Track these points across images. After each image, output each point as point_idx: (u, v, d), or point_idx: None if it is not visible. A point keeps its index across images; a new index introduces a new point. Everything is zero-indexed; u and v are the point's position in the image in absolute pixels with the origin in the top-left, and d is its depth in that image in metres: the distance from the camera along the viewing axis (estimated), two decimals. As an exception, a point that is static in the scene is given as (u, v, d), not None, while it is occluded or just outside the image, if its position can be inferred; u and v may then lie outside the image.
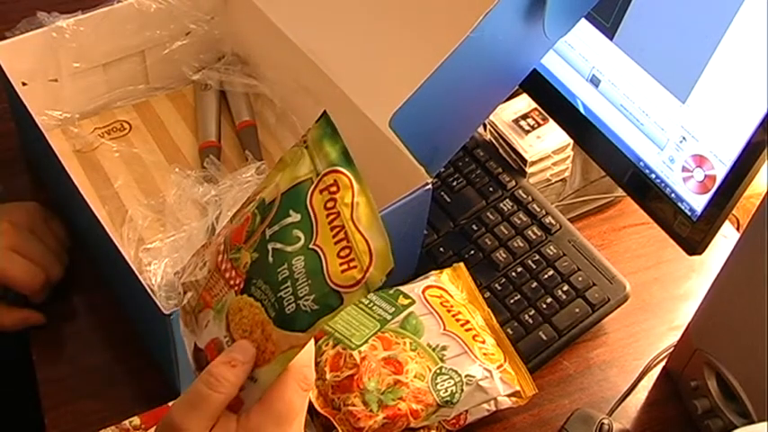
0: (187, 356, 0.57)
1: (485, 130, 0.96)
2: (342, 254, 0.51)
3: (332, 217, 0.52)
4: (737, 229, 0.91)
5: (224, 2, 0.96)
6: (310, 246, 0.52)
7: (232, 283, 0.54)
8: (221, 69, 0.96)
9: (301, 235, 0.52)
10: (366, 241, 0.51)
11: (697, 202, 0.72)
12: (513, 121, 0.93)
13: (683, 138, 0.72)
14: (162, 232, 0.82)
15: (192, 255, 0.60)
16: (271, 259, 0.52)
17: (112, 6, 0.88)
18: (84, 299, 0.82)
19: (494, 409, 0.73)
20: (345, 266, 0.51)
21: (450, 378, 0.71)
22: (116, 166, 0.89)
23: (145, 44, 0.92)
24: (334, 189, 0.52)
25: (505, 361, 0.74)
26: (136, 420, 0.70)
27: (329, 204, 0.52)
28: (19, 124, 0.90)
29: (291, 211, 0.52)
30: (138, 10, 0.89)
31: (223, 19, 0.97)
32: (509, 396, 0.73)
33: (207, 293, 0.56)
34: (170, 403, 0.71)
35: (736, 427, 0.66)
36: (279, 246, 0.52)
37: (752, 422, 0.70)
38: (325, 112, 0.53)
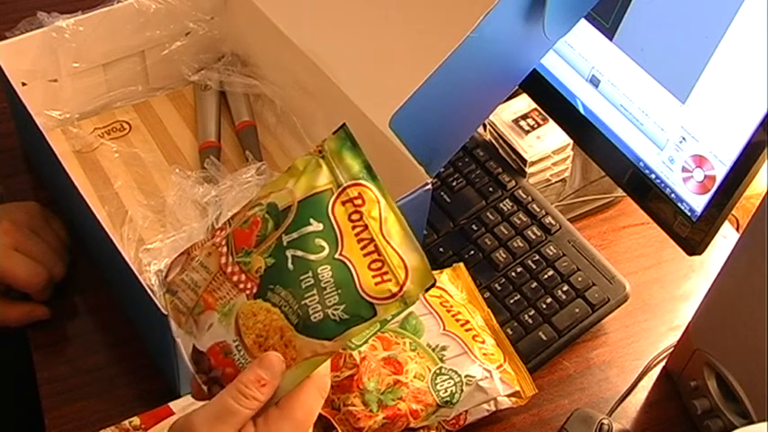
0: (185, 357, 0.57)
1: (485, 130, 0.96)
2: (373, 266, 0.52)
3: (359, 229, 0.52)
4: (737, 229, 0.91)
5: (224, 2, 0.96)
6: (336, 256, 0.52)
7: (242, 286, 0.54)
8: (221, 69, 0.96)
9: (325, 244, 0.52)
10: (400, 257, 0.52)
11: (697, 203, 0.72)
12: (512, 121, 0.93)
13: (683, 138, 0.72)
14: (162, 233, 0.82)
15: (180, 253, 0.59)
16: (291, 266, 0.53)
17: (112, 6, 0.88)
18: (84, 299, 0.82)
19: (493, 409, 0.73)
20: (379, 279, 0.52)
21: (450, 378, 0.71)
22: (116, 167, 0.89)
23: (144, 44, 0.92)
24: (359, 202, 0.53)
25: (505, 361, 0.74)
26: (136, 420, 0.70)
27: (354, 216, 0.53)
28: (19, 124, 0.90)
29: (312, 220, 0.53)
30: (137, 10, 0.89)
31: (223, 19, 0.97)
32: (509, 396, 0.73)
33: (209, 295, 0.56)
34: (170, 403, 0.71)
35: (736, 428, 0.66)
36: (300, 253, 0.53)
37: (752, 422, 0.70)
38: (344, 124, 0.54)
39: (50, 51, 0.86)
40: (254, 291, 0.54)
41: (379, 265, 0.52)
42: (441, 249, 0.85)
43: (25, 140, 0.91)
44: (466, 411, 0.72)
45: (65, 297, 0.81)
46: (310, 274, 0.52)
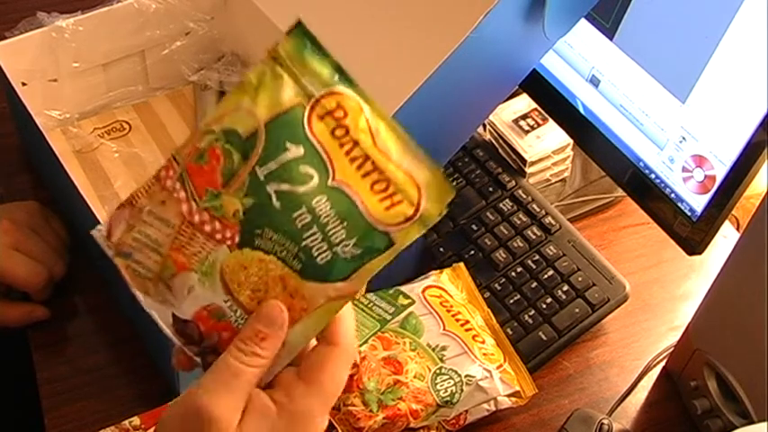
0: (164, 330, 0.51)
1: (484, 130, 0.96)
2: (377, 188, 0.45)
3: (348, 147, 0.45)
4: (737, 229, 0.91)
5: (224, 2, 0.96)
6: (330, 183, 0.45)
7: (219, 237, 0.47)
8: (221, 69, 0.96)
9: (312, 171, 0.45)
10: (405, 172, 0.45)
11: (697, 203, 0.72)
12: (512, 121, 0.93)
13: (683, 138, 0.72)
14: (162, 232, 0.82)
15: (119, 206, 0.49)
16: (277, 204, 0.46)
17: (112, 6, 0.88)
18: (84, 299, 0.82)
19: (493, 409, 0.73)
20: (388, 202, 0.45)
21: (450, 378, 0.71)
22: (116, 167, 0.89)
23: (144, 44, 0.92)
24: (339, 114, 0.45)
25: (505, 361, 0.74)
26: (136, 420, 0.70)
27: (338, 132, 0.45)
28: (19, 124, 0.90)
29: (289, 144, 0.45)
30: (137, 10, 0.89)
31: (223, 19, 0.97)
32: (509, 396, 0.73)
33: (178, 254, 0.48)
34: (170, 404, 0.71)
35: (736, 428, 0.66)
36: (285, 187, 0.45)
37: (752, 422, 0.70)
38: (299, 20, 0.46)
39: (50, 51, 0.86)
40: (237, 239, 0.46)
41: (384, 185, 0.45)
42: (441, 249, 0.84)
43: (25, 140, 0.91)
44: (466, 411, 0.72)
45: (65, 297, 0.81)
46: (304, 209, 0.45)
